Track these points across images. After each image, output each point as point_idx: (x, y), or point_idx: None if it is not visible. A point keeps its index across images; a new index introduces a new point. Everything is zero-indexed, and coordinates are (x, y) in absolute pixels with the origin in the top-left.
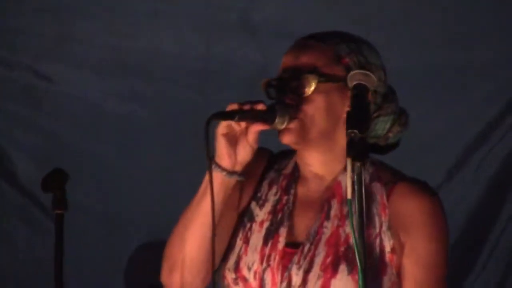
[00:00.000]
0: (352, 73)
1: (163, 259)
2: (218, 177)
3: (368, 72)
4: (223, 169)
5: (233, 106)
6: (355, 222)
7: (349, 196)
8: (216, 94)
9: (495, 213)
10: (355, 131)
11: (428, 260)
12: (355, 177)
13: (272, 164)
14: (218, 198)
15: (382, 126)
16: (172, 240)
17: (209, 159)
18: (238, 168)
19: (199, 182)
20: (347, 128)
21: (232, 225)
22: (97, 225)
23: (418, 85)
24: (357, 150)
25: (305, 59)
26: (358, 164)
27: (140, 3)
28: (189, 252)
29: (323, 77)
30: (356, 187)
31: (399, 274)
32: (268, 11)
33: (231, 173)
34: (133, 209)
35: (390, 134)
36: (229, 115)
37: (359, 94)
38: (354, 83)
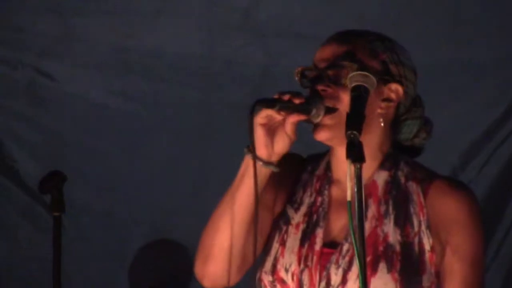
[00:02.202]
0: (352, 74)
1: (197, 249)
2: (252, 166)
3: (367, 74)
4: (259, 159)
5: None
6: (355, 224)
7: (348, 198)
8: (219, 93)
9: (499, 213)
10: (355, 132)
11: (473, 257)
12: (355, 179)
13: (305, 167)
14: (252, 188)
15: (409, 130)
16: (207, 231)
17: (253, 148)
18: (275, 158)
19: (201, 181)
20: (347, 130)
21: (267, 226)
22: (99, 224)
23: (421, 85)
24: (357, 152)
25: (345, 49)
26: (358, 165)
27: (143, 2)
28: (223, 243)
29: (362, 68)
30: (356, 189)
31: (438, 274)
32: (272, 10)
33: (267, 163)
34: (135, 207)
35: (416, 140)
36: (271, 104)
37: (359, 96)
38: (354, 84)
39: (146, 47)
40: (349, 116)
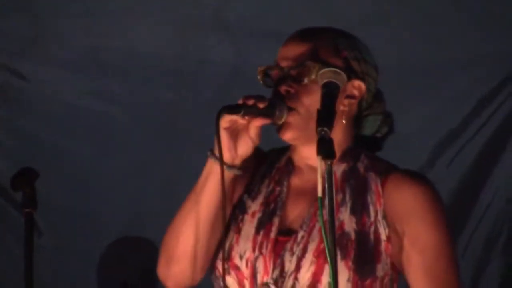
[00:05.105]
0: (322, 71)
1: (160, 251)
2: (216, 169)
3: (339, 70)
4: (222, 162)
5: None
6: (326, 219)
7: (319, 194)
8: (190, 92)
9: (468, 210)
10: (325, 129)
11: (434, 248)
12: (326, 175)
13: (264, 159)
14: (216, 190)
15: (371, 125)
16: (170, 233)
17: (220, 153)
18: (238, 162)
19: (172, 181)
20: (318, 126)
21: (227, 219)
22: (70, 223)
23: (390, 83)
24: (328, 148)
25: (306, 47)
26: (328, 162)
27: (116, 2)
28: (186, 244)
29: (325, 67)
30: (327, 185)
31: (393, 265)
32: (243, 8)
33: (230, 166)
34: (107, 206)
35: (378, 135)
36: (236, 109)
37: (329, 92)
38: (325, 81)
39: (119, 47)
40: (319, 112)
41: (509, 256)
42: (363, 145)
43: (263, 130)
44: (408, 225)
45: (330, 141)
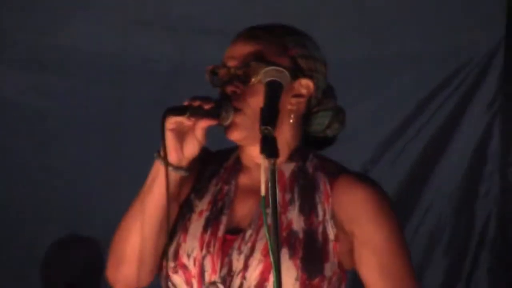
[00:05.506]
0: (266, 69)
1: (109, 253)
2: (163, 171)
3: (282, 69)
4: (169, 164)
5: (185, 102)
6: (269, 220)
7: (262, 193)
8: (133, 90)
9: (411, 208)
10: (269, 128)
11: (387, 247)
12: (269, 174)
13: (211, 159)
14: (163, 192)
15: (321, 121)
16: (118, 235)
17: (165, 155)
18: (184, 163)
19: (115, 180)
20: (261, 125)
21: (175, 218)
22: (12, 222)
23: (335, 80)
24: (271, 147)
25: (253, 47)
26: (272, 161)
27: None
28: (135, 246)
29: (270, 66)
30: (270, 184)
31: (340, 264)
32: (186, 6)
33: (176, 168)
34: (49, 205)
35: (328, 131)
36: (182, 111)
37: (272, 91)
38: (268, 79)
39: (60, 44)
40: (262, 111)
41: (452, 254)
42: (313, 143)
43: (212, 131)
44: (359, 227)
45: (273, 139)
